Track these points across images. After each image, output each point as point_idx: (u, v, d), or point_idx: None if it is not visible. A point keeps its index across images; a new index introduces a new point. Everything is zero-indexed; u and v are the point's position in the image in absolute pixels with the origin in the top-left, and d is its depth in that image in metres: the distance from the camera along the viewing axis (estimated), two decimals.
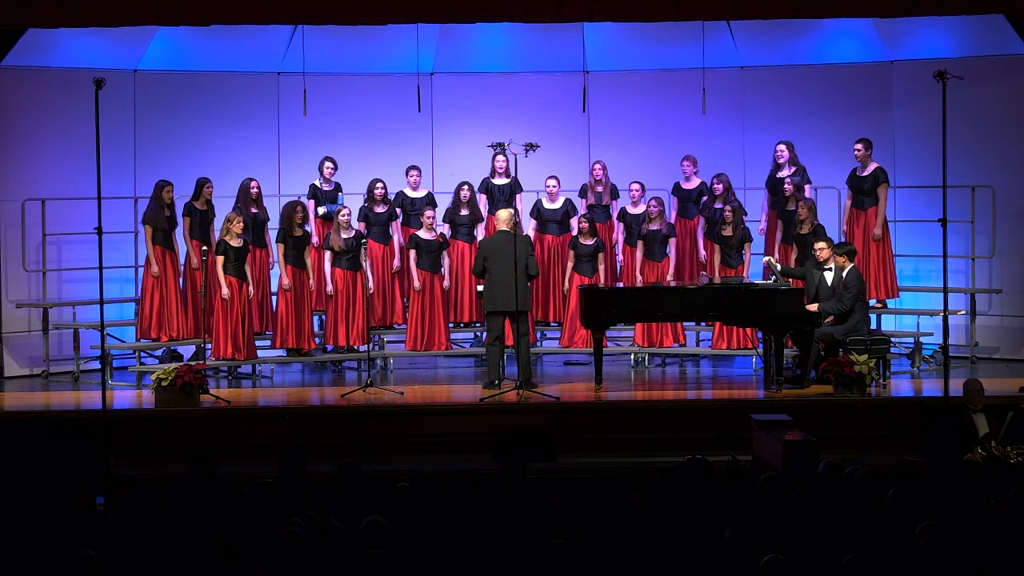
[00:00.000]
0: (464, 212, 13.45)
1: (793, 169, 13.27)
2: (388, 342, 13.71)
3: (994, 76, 13.53)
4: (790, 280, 12.40)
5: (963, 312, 13.30)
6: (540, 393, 11.54)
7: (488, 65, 14.76)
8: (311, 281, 13.03)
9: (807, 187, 13.25)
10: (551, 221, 13.57)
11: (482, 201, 13.62)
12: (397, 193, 13.56)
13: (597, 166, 13.68)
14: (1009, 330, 13.59)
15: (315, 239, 13.27)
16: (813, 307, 11.97)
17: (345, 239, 12.96)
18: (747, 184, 14.06)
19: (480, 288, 12.77)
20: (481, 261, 11.96)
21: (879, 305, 13.19)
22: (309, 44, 13.94)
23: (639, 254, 13.33)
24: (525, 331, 11.91)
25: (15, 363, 13.42)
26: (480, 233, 13.45)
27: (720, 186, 13.31)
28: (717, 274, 13.08)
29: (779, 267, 12.26)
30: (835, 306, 11.95)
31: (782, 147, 13.31)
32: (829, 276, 12.10)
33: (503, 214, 12.15)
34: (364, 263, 12.88)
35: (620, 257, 13.61)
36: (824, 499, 7.32)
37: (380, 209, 13.39)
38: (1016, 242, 13.60)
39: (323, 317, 13.32)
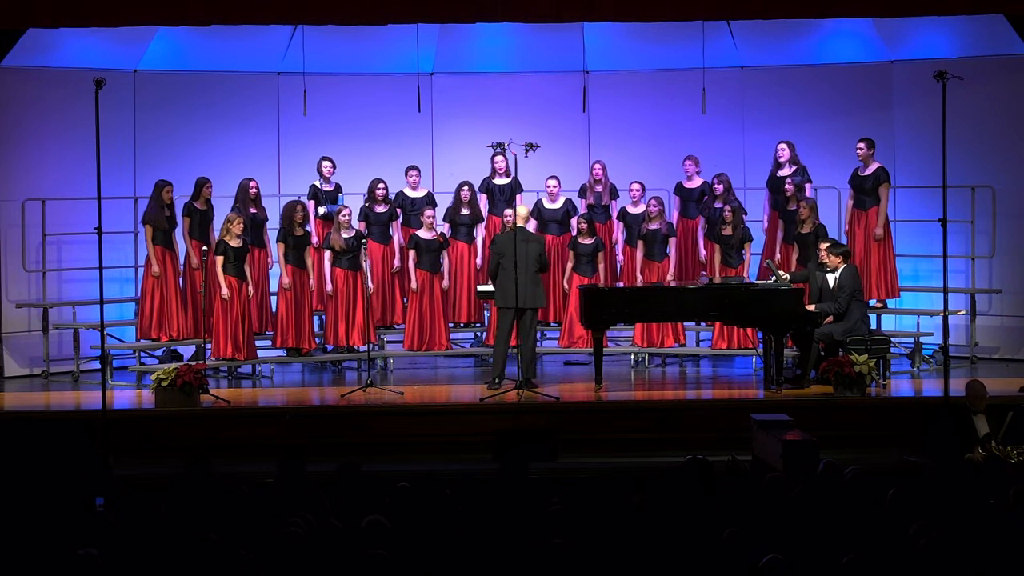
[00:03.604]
0: (465, 212, 13.45)
1: (794, 168, 13.26)
2: (388, 342, 13.71)
3: (994, 76, 13.53)
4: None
5: (963, 312, 13.31)
6: (540, 393, 11.54)
7: (488, 65, 14.76)
8: (311, 281, 13.04)
9: (808, 186, 13.25)
10: (551, 221, 13.57)
11: (482, 201, 13.62)
12: (397, 193, 13.56)
13: (596, 166, 13.68)
14: (1009, 330, 13.59)
15: (315, 239, 13.27)
16: (812, 307, 11.98)
17: (345, 239, 12.97)
18: (747, 184, 14.06)
19: (480, 288, 12.79)
20: (496, 259, 11.95)
21: (879, 305, 13.19)
22: (309, 44, 13.94)
23: (639, 254, 13.33)
24: (532, 328, 11.88)
25: (15, 363, 13.42)
26: (480, 233, 13.46)
27: (720, 186, 13.32)
28: (717, 274, 13.08)
29: (783, 274, 12.23)
30: (831, 307, 11.96)
31: (783, 146, 13.31)
32: (831, 278, 12.09)
33: (522, 211, 12.17)
34: (364, 263, 12.88)
35: (620, 257, 13.61)
36: (824, 499, 7.32)
37: (381, 209, 13.39)
38: (1016, 242, 13.60)
39: (323, 317, 13.32)
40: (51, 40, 13.07)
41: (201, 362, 12.06)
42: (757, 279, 12.54)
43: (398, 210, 13.53)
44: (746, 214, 13.29)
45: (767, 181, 13.46)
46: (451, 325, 13.49)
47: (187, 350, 13.20)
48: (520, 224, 12.01)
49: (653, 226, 13.28)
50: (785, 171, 13.28)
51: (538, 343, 13.67)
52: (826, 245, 12.23)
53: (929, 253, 12.71)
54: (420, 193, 13.62)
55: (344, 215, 13.02)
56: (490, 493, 7.82)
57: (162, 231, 12.98)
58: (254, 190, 13.24)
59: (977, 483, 8.07)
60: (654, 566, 6.35)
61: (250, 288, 12.72)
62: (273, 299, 13.26)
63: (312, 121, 13.98)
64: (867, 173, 13.12)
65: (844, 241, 13.05)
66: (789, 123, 14.14)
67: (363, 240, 12.88)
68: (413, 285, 13.17)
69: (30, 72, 13.46)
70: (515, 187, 13.51)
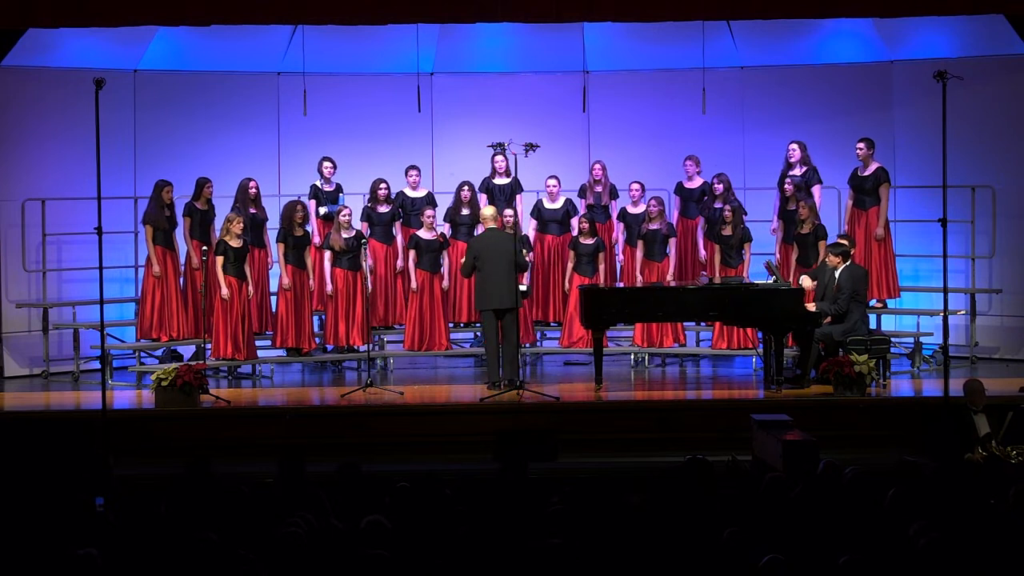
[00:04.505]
0: (465, 212, 13.45)
1: (804, 169, 13.25)
2: (388, 342, 13.71)
3: (994, 76, 13.52)
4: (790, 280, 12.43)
5: (963, 312, 13.30)
6: (540, 393, 11.52)
7: (488, 65, 14.76)
8: (311, 281, 13.04)
9: (817, 187, 13.22)
10: (551, 221, 13.57)
11: (483, 201, 13.60)
12: (397, 193, 13.56)
13: (596, 166, 13.68)
14: (1009, 330, 13.59)
15: (316, 239, 13.28)
16: (811, 306, 11.98)
17: (346, 239, 12.97)
18: (747, 184, 14.06)
19: None
20: (471, 260, 11.95)
21: (879, 305, 13.19)
22: (309, 44, 13.94)
23: (639, 254, 13.33)
24: (514, 329, 11.83)
25: (15, 363, 13.42)
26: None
27: (720, 186, 13.31)
28: (717, 274, 13.08)
29: (807, 278, 12.20)
30: (830, 307, 11.96)
31: (794, 146, 13.28)
32: (836, 275, 12.10)
33: (488, 212, 12.17)
34: (364, 263, 12.88)
35: (620, 257, 13.61)
36: (824, 499, 7.32)
37: (383, 209, 13.39)
38: (1016, 242, 13.60)
39: (323, 317, 13.32)
40: (51, 40, 13.07)
41: (201, 362, 12.06)
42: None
43: (400, 210, 13.52)
44: (746, 214, 13.28)
45: (778, 182, 13.41)
46: (451, 325, 13.48)
47: (187, 350, 13.20)
48: (491, 225, 12.01)
49: (653, 226, 13.28)
50: (796, 171, 13.26)
51: (538, 343, 13.75)
52: (828, 244, 12.23)
53: (929, 253, 12.71)
54: (420, 193, 13.62)
55: (344, 215, 13.02)
56: (490, 493, 7.82)
57: (162, 231, 12.98)
58: (254, 190, 13.23)
59: (977, 483, 8.07)
60: (654, 566, 6.35)
61: (250, 288, 12.72)
62: (273, 299, 13.26)
63: (312, 121, 13.98)
64: (867, 173, 13.11)
65: None
66: (789, 123, 14.13)
67: (363, 240, 12.87)
68: (413, 285, 13.17)
69: (30, 72, 13.46)
70: (515, 187, 13.51)
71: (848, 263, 12.10)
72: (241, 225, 12.63)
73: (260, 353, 13.01)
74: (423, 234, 13.21)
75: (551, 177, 13.55)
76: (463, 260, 12.23)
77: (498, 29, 13.90)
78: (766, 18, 12.18)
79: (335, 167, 13.58)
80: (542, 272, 13.52)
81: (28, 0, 11.48)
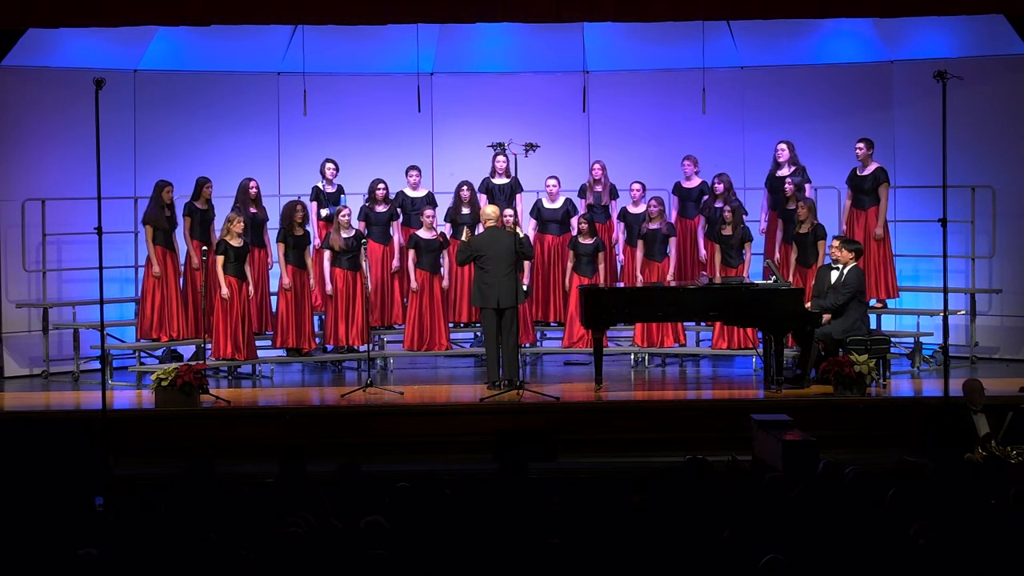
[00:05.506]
0: (465, 211, 13.45)
1: (793, 168, 13.26)
2: (388, 342, 13.70)
3: (994, 76, 13.53)
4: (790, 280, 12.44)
5: (963, 312, 13.30)
6: (540, 393, 11.52)
7: (488, 65, 14.76)
8: (311, 281, 13.03)
9: (807, 187, 13.24)
10: (551, 221, 13.57)
11: (482, 201, 13.60)
12: (397, 193, 13.56)
13: (596, 166, 13.69)
14: (1009, 330, 13.59)
15: (317, 241, 13.27)
16: (809, 305, 11.97)
17: (345, 239, 12.97)
18: (747, 184, 14.06)
19: None
20: (469, 251, 11.90)
21: (879, 305, 13.19)
22: (309, 44, 13.94)
23: (639, 254, 13.33)
24: (513, 328, 11.82)
25: (15, 363, 13.42)
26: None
27: (721, 186, 13.32)
28: (717, 274, 13.08)
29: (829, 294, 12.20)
30: (830, 302, 11.94)
31: (782, 146, 13.31)
32: (835, 274, 12.10)
33: (490, 211, 12.16)
34: (364, 263, 12.88)
35: (620, 257, 13.62)
36: (824, 499, 7.32)
37: (381, 209, 13.39)
38: (1016, 242, 13.60)
39: (323, 317, 13.31)
40: (51, 40, 13.07)
41: (201, 362, 12.06)
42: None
43: (398, 210, 13.52)
44: (746, 214, 13.29)
45: (766, 181, 13.46)
46: (451, 325, 13.48)
47: (187, 350, 13.20)
48: (492, 224, 12.01)
49: (653, 226, 13.28)
50: (784, 171, 13.28)
51: (538, 343, 13.75)
52: (839, 241, 12.19)
53: (929, 253, 12.71)
54: (420, 193, 13.62)
55: (344, 215, 13.02)
56: (490, 493, 7.82)
57: (162, 231, 12.98)
58: (254, 190, 13.23)
59: (977, 483, 8.08)
60: (654, 566, 6.35)
61: (250, 288, 12.72)
62: (273, 299, 13.26)
63: (312, 121, 13.97)
64: (866, 173, 13.11)
65: None
66: (789, 123, 14.13)
67: (363, 240, 12.87)
68: (413, 285, 13.17)
69: (30, 72, 13.46)
70: (515, 187, 13.51)
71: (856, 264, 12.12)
72: (241, 225, 12.63)
73: (260, 353, 13.01)
74: (423, 234, 13.21)
75: (551, 177, 13.55)
76: (459, 249, 12.20)
77: (498, 29, 13.90)
78: (766, 18, 12.18)
79: (338, 169, 13.55)
80: (542, 272, 13.52)
81: (28, 0, 11.48)
